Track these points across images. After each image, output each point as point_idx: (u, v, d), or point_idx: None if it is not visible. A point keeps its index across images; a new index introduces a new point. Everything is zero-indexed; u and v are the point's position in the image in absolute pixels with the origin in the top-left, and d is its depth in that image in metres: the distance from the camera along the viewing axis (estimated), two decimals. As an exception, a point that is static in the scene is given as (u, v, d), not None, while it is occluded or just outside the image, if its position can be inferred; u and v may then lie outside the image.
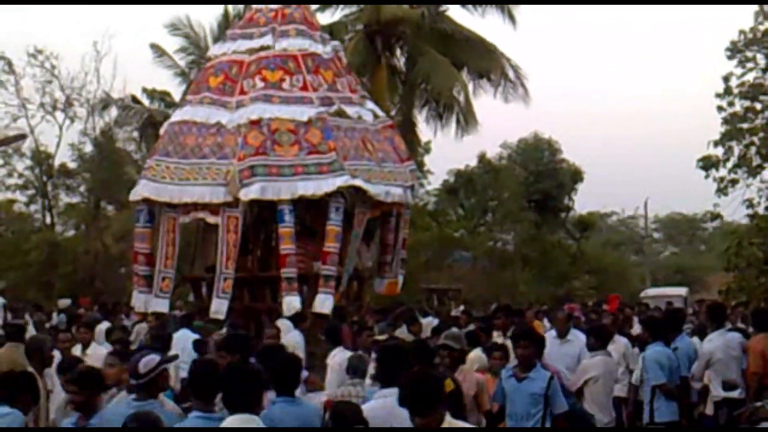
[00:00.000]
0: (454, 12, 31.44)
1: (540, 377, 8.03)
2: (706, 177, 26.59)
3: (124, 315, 19.17)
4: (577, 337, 11.30)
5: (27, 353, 9.01)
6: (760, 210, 25.23)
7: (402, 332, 13.88)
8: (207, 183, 16.20)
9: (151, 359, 6.50)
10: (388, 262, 18.72)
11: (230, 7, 30.99)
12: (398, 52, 31.34)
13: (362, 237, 17.48)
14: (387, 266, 18.71)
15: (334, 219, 16.18)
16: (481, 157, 42.59)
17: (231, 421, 4.84)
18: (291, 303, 15.55)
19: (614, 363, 10.66)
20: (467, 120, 30.65)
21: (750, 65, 26.39)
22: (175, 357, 8.04)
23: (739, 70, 26.39)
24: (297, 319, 13.81)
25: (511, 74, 30.93)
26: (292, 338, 12.35)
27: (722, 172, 26.35)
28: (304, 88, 16.97)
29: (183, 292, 21.56)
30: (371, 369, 8.37)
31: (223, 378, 5.19)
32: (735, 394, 9.91)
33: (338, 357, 10.15)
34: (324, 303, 15.77)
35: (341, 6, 31.80)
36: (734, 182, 26.12)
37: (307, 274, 16.92)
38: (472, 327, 13.14)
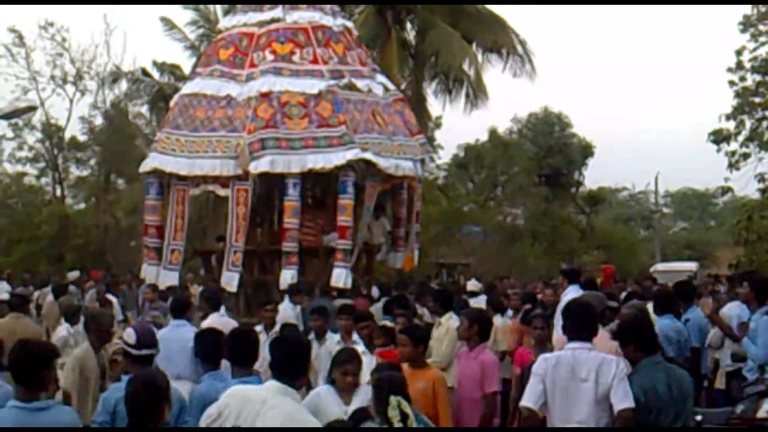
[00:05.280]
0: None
1: None
2: (718, 151, 26.52)
3: (126, 286, 19.33)
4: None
5: (85, 328, 8.99)
6: (772, 184, 25.14)
7: None
8: (217, 156, 16.19)
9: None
10: (402, 236, 18.71)
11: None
12: (408, 25, 31.11)
13: (373, 211, 17.46)
14: (401, 240, 18.70)
15: (346, 193, 16.16)
16: (491, 132, 42.49)
17: (269, 385, 4.82)
18: (285, 276, 15.60)
19: None
20: (477, 94, 30.46)
21: (763, 39, 26.21)
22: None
23: (751, 44, 26.23)
24: (291, 292, 13.63)
25: (519, 49, 30.71)
26: (284, 312, 12.11)
27: (734, 145, 26.29)
28: (315, 61, 16.91)
29: (193, 264, 21.62)
30: None
31: (271, 347, 5.06)
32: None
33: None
34: (340, 277, 15.80)
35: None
36: (746, 156, 26.05)
37: (316, 247, 16.94)
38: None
